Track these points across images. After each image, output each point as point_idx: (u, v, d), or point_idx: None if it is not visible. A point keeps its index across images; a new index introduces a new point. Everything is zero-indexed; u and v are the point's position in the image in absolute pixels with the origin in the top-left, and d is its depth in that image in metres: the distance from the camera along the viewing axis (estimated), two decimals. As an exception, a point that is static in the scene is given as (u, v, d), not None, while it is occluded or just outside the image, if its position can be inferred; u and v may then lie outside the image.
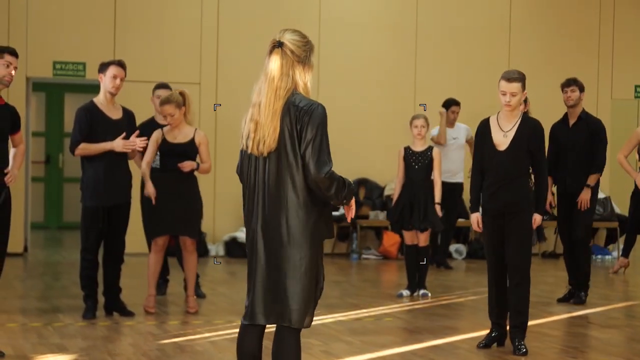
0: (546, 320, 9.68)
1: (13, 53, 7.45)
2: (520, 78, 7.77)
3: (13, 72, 7.39)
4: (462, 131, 14.35)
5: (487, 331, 8.17)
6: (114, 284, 9.48)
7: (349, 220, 5.27)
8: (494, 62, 16.24)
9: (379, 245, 15.77)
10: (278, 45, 5.01)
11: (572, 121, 10.68)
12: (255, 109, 5.01)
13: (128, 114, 9.44)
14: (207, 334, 8.57)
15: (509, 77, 7.75)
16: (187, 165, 9.47)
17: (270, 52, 5.03)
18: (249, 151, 5.06)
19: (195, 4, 15.45)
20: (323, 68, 15.83)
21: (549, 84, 16.27)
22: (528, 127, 7.83)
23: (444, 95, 16.24)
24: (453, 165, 13.95)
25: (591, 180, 10.60)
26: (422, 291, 11.10)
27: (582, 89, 10.75)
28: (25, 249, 15.31)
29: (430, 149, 11.00)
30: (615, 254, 16.40)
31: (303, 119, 4.94)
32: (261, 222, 5.04)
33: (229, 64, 15.15)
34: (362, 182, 16.02)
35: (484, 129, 7.96)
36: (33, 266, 13.96)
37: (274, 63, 5.01)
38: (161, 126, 9.89)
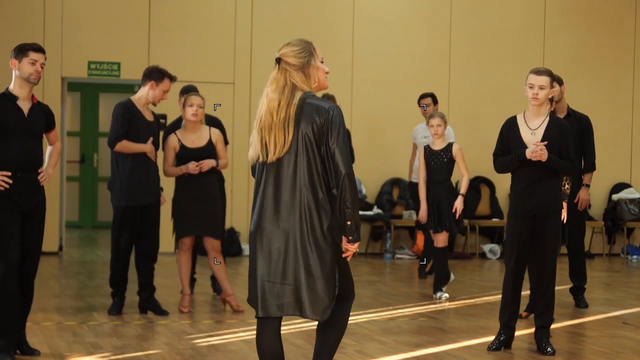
0: (581, 320, 9.62)
1: (38, 50, 7.37)
2: (549, 73, 7.74)
3: (40, 69, 7.36)
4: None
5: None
6: (148, 283, 9.53)
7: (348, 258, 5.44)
8: (528, 61, 16.10)
9: (413, 244, 15.73)
10: (277, 62, 5.35)
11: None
12: (257, 122, 5.34)
13: (156, 117, 9.68)
14: (241, 333, 8.58)
15: (538, 70, 7.75)
16: (206, 164, 9.52)
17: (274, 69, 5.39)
18: (260, 160, 5.34)
19: (229, 3, 15.48)
20: (356, 67, 15.81)
21: (585, 82, 16.20)
22: (556, 127, 7.76)
23: (478, 94, 16.21)
24: None
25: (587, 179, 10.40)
26: (438, 294, 10.90)
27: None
28: (61, 248, 15.39)
29: (449, 146, 10.87)
30: (651, 254, 16.28)
31: (329, 119, 5.24)
32: (274, 220, 5.30)
33: (263, 63, 15.14)
34: (396, 182, 15.97)
35: (512, 125, 7.87)
36: (68, 265, 14.04)
37: (271, 79, 5.36)
38: None
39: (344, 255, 5.33)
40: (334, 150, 5.20)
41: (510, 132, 7.88)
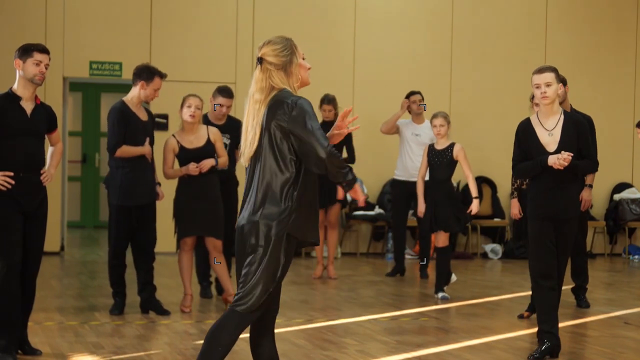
0: (583, 320, 9.63)
1: (42, 50, 7.38)
2: (552, 69, 7.55)
3: (44, 70, 7.37)
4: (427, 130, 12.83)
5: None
6: (148, 282, 9.55)
7: (361, 203, 5.42)
8: (529, 61, 16.09)
9: (414, 244, 15.73)
10: (258, 61, 5.29)
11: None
12: (243, 125, 5.37)
13: (151, 115, 9.69)
14: (243, 333, 8.56)
15: (539, 69, 7.57)
16: (205, 165, 9.53)
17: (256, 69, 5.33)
18: (243, 163, 5.38)
19: (231, 3, 15.48)
20: (358, 67, 15.80)
21: (586, 82, 16.18)
22: (572, 125, 7.60)
23: (479, 93, 16.20)
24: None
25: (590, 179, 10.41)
26: (439, 294, 10.88)
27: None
28: (62, 247, 15.39)
29: (451, 146, 10.82)
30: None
31: (291, 113, 5.15)
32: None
33: (264, 63, 15.10)
34: (397, 182, 15.96)
35: (527, 127, 7.67)
36: (70, 265, 14.05)
37: (254, 80, 5.32)
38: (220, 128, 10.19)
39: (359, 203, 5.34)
40: (308, 139, 5.09)
41: (527, 136, 7.67)
